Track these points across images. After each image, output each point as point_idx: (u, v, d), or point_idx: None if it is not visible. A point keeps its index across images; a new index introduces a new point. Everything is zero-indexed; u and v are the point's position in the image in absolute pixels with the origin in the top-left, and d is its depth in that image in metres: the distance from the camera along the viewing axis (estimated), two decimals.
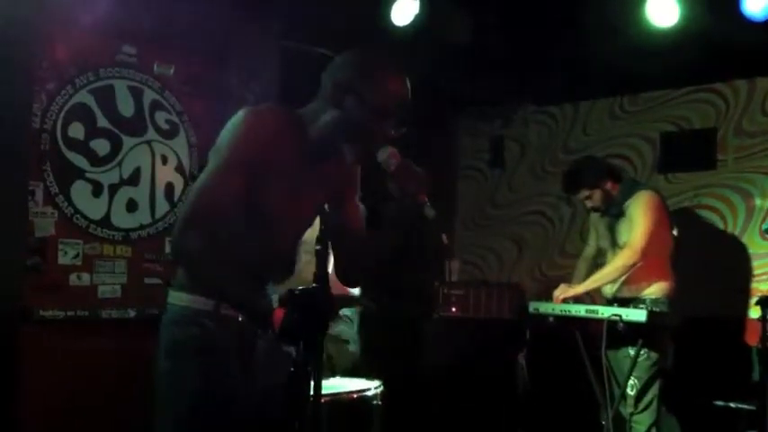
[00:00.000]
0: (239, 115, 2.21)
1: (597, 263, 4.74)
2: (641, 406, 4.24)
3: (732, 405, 4.17)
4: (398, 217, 2.27)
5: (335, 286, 2.87)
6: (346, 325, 4.10)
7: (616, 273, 4.28)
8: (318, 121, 2.24)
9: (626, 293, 4.35)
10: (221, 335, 2.18)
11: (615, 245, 4.44)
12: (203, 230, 2.08)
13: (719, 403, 4.24)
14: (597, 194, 4.47)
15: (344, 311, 4.05)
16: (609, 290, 4.41)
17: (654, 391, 4.24)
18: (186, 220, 2.14)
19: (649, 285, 4.31)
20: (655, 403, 4.25)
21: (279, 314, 2.02)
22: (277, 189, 2.19)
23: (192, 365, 2.18)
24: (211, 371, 2.17)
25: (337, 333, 3.89)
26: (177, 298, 2.25)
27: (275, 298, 2.37)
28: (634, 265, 4.20)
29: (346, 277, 2.47)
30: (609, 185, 4.46)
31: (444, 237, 2.09)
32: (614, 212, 4.44)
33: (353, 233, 2.42)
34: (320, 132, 2.24)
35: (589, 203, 4.54)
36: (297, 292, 2.03)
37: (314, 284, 2.06)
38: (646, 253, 4.19)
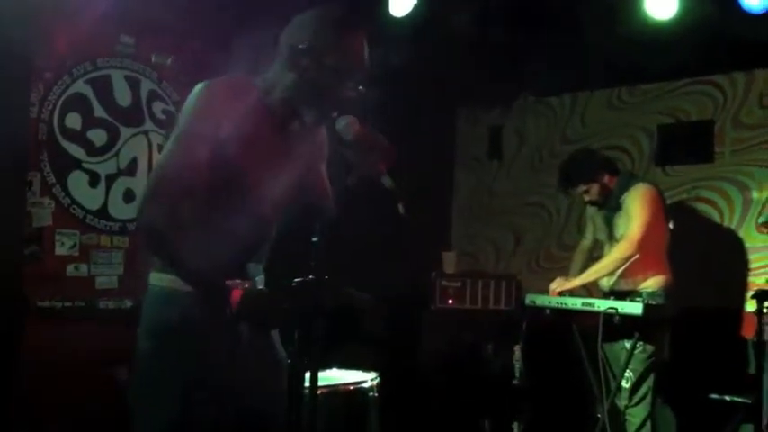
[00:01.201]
0: (196, 89, 2.19)
1: (594, 256, 4.75)
2: (635, 399, 4.26)
3: (727, 398, 4.18)
4: (357, 186, 2.22)
5: None
6: None
7: (613, 265, 4.29)
8: (277, 86, 2.22)
9: (623, 286, 4.35)
10: (202, 316, 2.15)
11: (612, 238, 4.45)
12: (163, 205, 2.07)
13: (715, 396, 4.25)
14: (594, 188, 4.47)
15: None
16: (606, 283, 4.42)
17: (648, 384, 4.26)
18: (146, 195, 2.13)
19: (646, 278, 4.32)
20: (649, 396, 4.27)
21: (236, 294, 2.01)
22: (245, 160, 2.17)
23: (173, 347, 2.17)
24: (192, 353, 2.15)
25: None
26: (158, 279, 2.23)
27: (259, 279, 2.36)
28: (630, 257, 4.21)
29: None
30: (606, 179, 4.46)
31: (401, 207, 2.06)
32: (611, 206, 4.44)
33: (322, 201, 2.42)
34: (280, 97, 2.22)
35: (587, 197, 4.54)
36: (294, 282, 2.02)
37: (311, 276, 2.06)
38: (642, 246, 4.19)
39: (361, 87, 2.21)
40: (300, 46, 2.17)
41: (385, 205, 2.08)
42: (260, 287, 2.34)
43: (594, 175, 4.45)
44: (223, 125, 2.12)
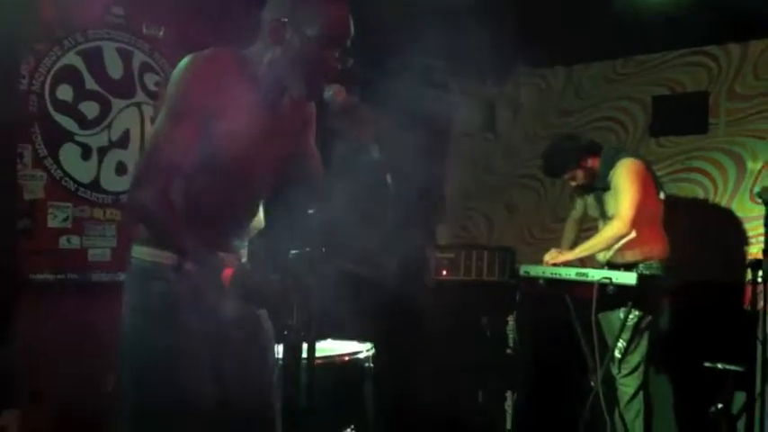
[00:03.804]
0: (185, 61, 2.16)
1: (584, 227, 4.76)
2: (627, 369, 4.28)
3: (720, 366, 4.20)
4: (346, 156, 2.21)
5: None
6: None
7: (605, 243, 4.29)
8: (263, 62, 2.20)
9: (619, 260, 4.36)
10: (186, 290, 2.15)
11: (605, 215, 4.45)
12: (157, 183, 2.05)
13: (708, 365, 4.27)
14: (579, 174, 4.47)
15: None
16: (602, 256, 4.42)
17: (641, 355, 4.28)
18: (140, 173, 2.11)
19: (642, 252, 4.32)
20: (642, 366, 4.29)
21: (228, 272, 2.01)
22: (235, 135, 2.15)
23: (156, 321, 2.17)
24: (176, 327, 2.16)
25: None
26: (141, 253, 2.24)
27: (244, 252, 2.36)
28: (624, 236, 4.21)
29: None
30: (589, 162, 4.45)
31: (389, 177, 2.06)
32: (600, 186, 4.43)
33: (312, 174, 2.40)
34: (266, 73, 2.20)
35: (574, 183, 4.54)
36: (291, 255, 2.02)
37: (307, 248, 2.06)
38: (635, 222, 4.19)
39: (348, 58, 2.19)
40: (282, 19, 2.14)
41: (373, 175, 2.07)
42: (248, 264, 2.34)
43: (577, 162, 4.44)
44: (213, 100, 2.11)
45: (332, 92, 2.14)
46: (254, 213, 2.40)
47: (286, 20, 2.14)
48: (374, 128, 2.11)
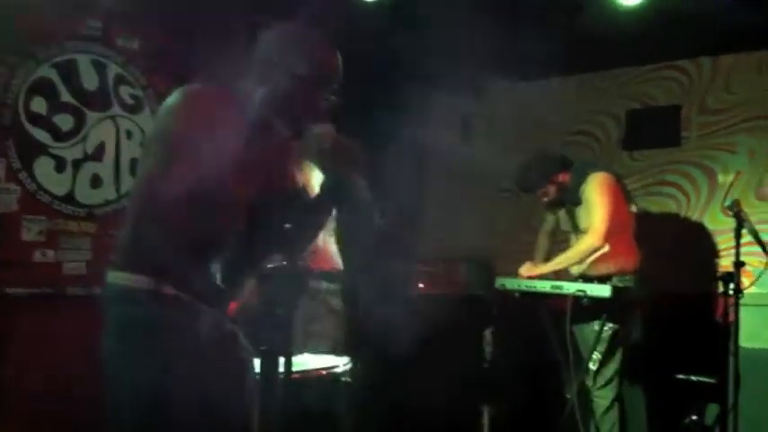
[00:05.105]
0: (179, 96, 2.17)
1: (557, 239, 4.80)
2: (602, 381, 4.31)
3: (693, 378, 4.24)
4: (332, 195, 2.24)
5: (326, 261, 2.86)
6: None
7: (579, 256, 4.33)
8: (251, 99, 2.22)
9: (593, 272, 4.39)
10: (164, 314, 2.15)
11: (577, 229, 4.48)
12: (160, 223, 2.06)
13: (681, 377, 4.32)
14: (552, 189, 4.52)
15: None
16: (576, 269, 4.46)
17: (615, 367, 4.31)
18: (142, 208, 2.13)
19: (615, 265, 4.36)
20: (617, 378, 4.32)
21: (232, 306, 2.03)
22: (222, 168, 2.13)
23: (140, 345, 2.15)
24: (158, 350, 2.14)
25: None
26: (118, 278, 2.21)
27: (219, 276, 2.37)
28: (598, 249, 4.25)
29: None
30: (560, 177, 4.50)
31: (377, 216, 2.09)
32: (572, 200, 4.47)
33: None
34: (256, 110, 2.21)
35: (546, 199, 4.58)
36: (269, 268, 2.03)
37: (284, 262, 2.07)
38: (608, 235, 4.23)
39: (333, 97, 2.22)
40: (273, 59, 2.18)
41: (361, 213, 2.10)
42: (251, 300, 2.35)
43: (548, 178, 4.50)
44: (207, 136, 2.10)
45: (322, 131, 2.17)
46: (231, 240, 2.42)
47: (276, 60, 2.17)
48: (362, 167, 2.15)
